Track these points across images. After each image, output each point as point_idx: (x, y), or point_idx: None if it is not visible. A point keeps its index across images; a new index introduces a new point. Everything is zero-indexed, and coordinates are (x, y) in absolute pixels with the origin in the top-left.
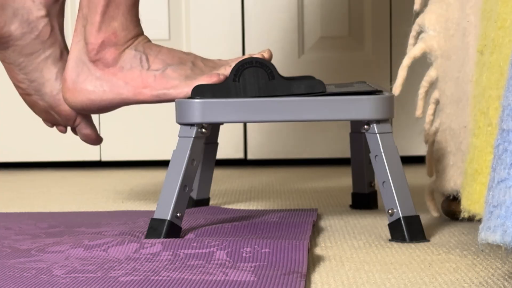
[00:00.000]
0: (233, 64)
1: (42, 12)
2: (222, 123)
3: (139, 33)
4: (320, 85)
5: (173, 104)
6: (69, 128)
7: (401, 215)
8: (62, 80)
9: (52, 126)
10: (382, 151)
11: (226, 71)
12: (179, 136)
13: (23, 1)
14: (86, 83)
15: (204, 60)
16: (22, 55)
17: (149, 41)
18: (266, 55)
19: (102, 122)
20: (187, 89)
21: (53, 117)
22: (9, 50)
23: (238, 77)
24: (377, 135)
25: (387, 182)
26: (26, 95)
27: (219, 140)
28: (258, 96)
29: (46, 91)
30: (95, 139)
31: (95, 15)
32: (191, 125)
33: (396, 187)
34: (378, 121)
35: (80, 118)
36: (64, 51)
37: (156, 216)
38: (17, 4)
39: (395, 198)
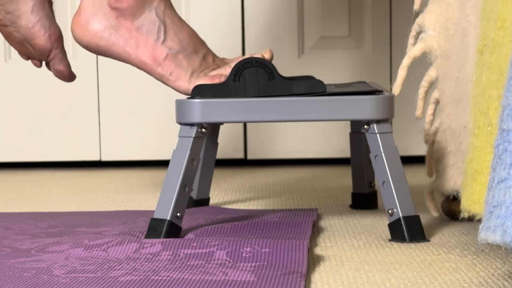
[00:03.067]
0: (233, 64)
1: None
2: (222, 123)
3: None
4: (320, 85)
5: (173, 103)
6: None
7: (401, 215)
8: (76, 12)
9: (27, 59)
10: (382, 151)
11: (226, 71)
12: (179, 136)
13: None
14: (99, 26)
15: (214, 56)
16: None
17: (171, 5)
18: (267, 56)
19: (102, 122)
20: (188, 86)
21: (27, 50)
22: None
23: (238, 77)
24: (377, 135)
25: (387, 182)
26: (1, 26)
27: (219, 140)
28: (258, 96)
29: (21, 23)
30: (68, 76)
31: None
32: (191, 125)
33: (396, 187)
34: (378, 121)
35: (54, 53)
36: None
37: (156, 216)
38: None
39: (395, 198)
